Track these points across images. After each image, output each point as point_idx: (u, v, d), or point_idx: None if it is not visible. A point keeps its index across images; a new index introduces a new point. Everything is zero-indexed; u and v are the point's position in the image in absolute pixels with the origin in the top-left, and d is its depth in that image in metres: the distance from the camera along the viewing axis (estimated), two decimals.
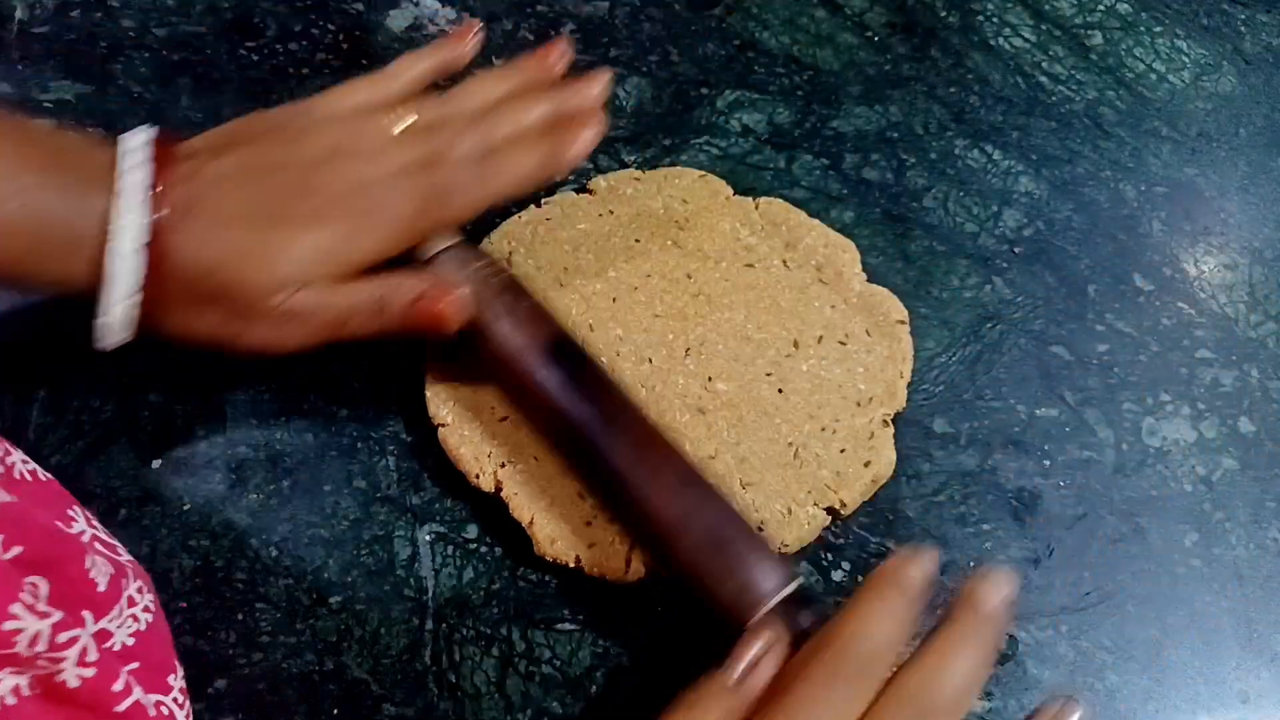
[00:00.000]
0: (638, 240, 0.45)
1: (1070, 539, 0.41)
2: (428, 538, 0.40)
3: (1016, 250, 0.48)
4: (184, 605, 0.38)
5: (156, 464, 0.41)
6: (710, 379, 0.42)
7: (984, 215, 0.49)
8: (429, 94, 0.41)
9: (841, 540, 0.41)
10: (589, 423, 0.36)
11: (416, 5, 0.54)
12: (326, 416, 0.43)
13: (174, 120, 0.49)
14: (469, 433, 0.40)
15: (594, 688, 0.38)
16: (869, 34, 0.55)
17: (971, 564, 0.41)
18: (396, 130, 0.37)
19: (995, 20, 0.55)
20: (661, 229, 0.46)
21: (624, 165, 0.49)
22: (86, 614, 0.29)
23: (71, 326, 0.36)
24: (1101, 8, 0.56)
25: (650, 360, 0.42)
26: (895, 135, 0.51)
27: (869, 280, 0.45)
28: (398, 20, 0.54)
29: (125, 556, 0.33)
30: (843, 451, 0.41)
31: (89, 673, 0.27)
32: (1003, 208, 0.49)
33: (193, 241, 0.34)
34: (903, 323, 0.44)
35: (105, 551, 0.32)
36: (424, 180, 0.37)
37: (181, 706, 0.32)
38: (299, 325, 0.36)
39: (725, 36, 0.54)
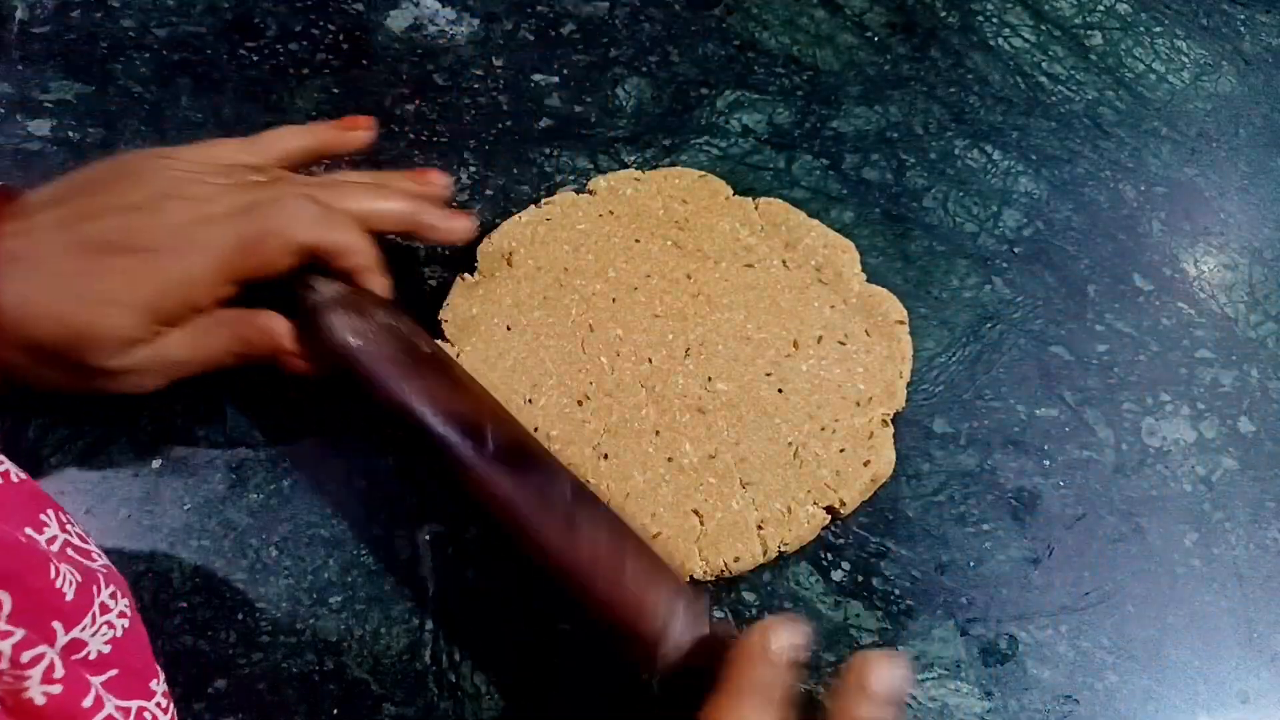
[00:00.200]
0: (638, 240, 0.45)
1: (1070, 539, 0.41)
2: (427, 538, 0.40)
3: (1016, 250, 0.48)
4: (184, 605, 0.38)
5: (156, 464, 0.41)
6: (710, 379, 0.42)
7: (984, 215, 0.49)
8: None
9: (841, 540, 0.41)
10: (510, 498, 0.35)
11: (416, 5, 0.54)
12: (327, 416, 0.43)
13: (174, 120, 0.49)
14: None
15: (594, 688, 0.38)
16: (869, 34, 0.55)
17: (972, 564, 0.41)
18: (228, 180, 0.37)
19: (995, 20, 0.55)
20: (661, 229, 0.46)
21: (624, 165, 0.49)
22: (56, 624, 0.28)
23: None
24: (1101, 8, 0.56)
25: (650, 360, 0.42)
26: (895, 135, 0.51)
27: (869, 280, 0.45)
28: (398, 20, 0.54)
29: (100, 562, 0.33)
30: (842, 451, 0.41)
31: (55, 689, 0.26)
32: (1002, 208, 0.49)
33: (17, 292, 0.33)
34: (902, 323, 0.44)
35: (76, 558, 0.31)
36: (245, 219, 0.36)
37: (165, 711, 0.32)
38: (153, 376, 0.36)
39: (725, 36, 0.54)
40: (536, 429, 0.41)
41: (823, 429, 0.41)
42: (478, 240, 0.45)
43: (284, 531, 0.40)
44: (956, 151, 0.51)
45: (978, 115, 0.52)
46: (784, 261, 0.45)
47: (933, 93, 0.53)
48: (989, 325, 0.46)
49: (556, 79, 0.52)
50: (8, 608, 0.26)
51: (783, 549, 0.39)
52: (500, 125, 0.51)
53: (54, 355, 0.34)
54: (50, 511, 0.32)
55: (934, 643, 0.39)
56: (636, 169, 0.48)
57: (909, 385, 0.43)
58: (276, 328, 0.37)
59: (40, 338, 0.33)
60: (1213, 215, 0.50)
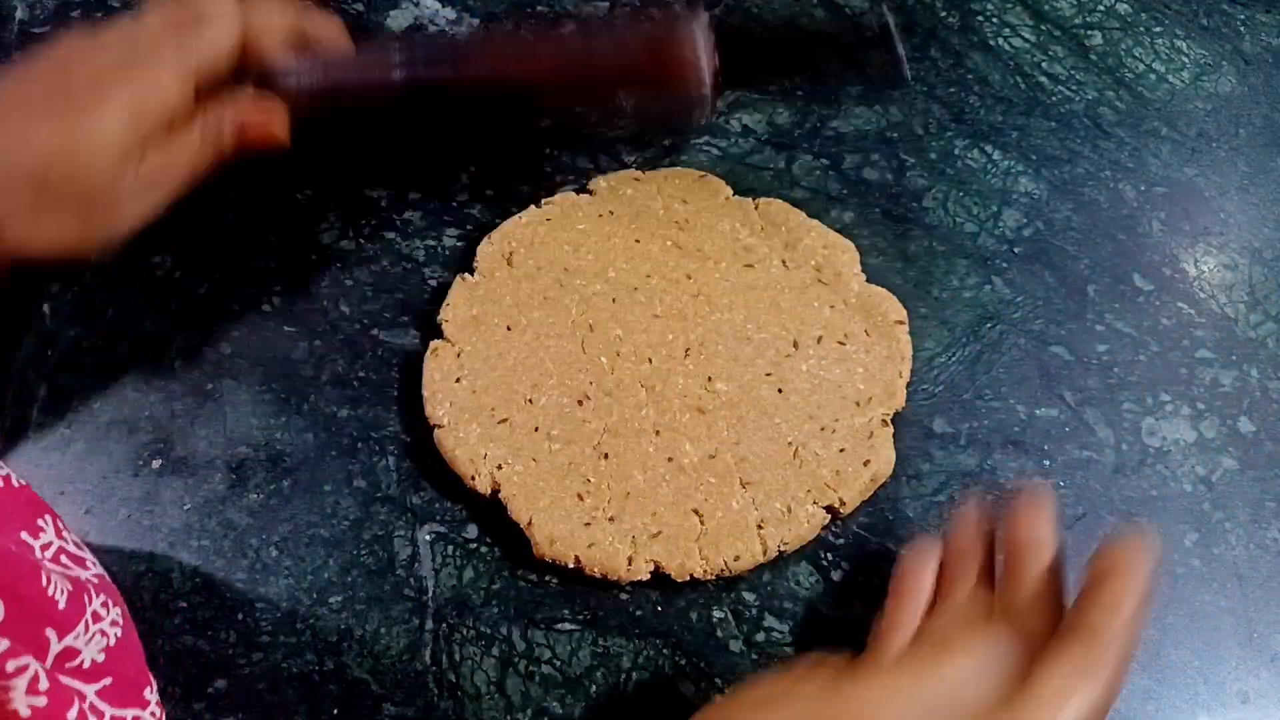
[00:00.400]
0: (638, 240, 0.45)
1: (1070, 539, 0.41)
2: (428, 538, 0.40)
3: (1016, 250, 0.48)
4: (184, 605, 0.38)
5: (156, 464, 0.41)
6: (710, 379, 0.42)
7: (984, 215, 0.49)
8: None
9: (841, 540, 0.41)
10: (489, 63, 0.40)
11: (416, 5, 0.54)
12: (326, 416, 0.43)
13: None
14: (465, 434, 0.40)
15: (594, 688, 0.38)
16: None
17: None
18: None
19: (995, 20, 0.55)
20: (661, 229, 0.46)
21: (624, 165, 0.49)
22: (50, 632, 0.28)
23: None
24: (1101, 8, 0.56)
25: (650, 360, 0.42)
26: (895, 135, 0.51)
27: (869, 280, 0.45)
28: (398, 20, 0.54)
29: (92, 571, 0.33)
30: (842, 451, 0.41)
31: (40, 701, 0.26)
32: (1002, 208, 0.49)
33: (9, 131, 0.34)
34: (902, 323, 0.44)
35: (69, 564, 0.31)
36: (177, 30, 0.37)
37: (157, 718, 0.32)
38: (156, 190, 0.37)
39: None
40: (537, 429, 0.41)
41: (823, 429, 0.41)
42: (478, 240, 0.46)
43: (284, 531, 0.40)
44: (956, 151, 0.51)
45: (978, 115, 0.52)
46: (784, 262, 0.45)
47: (933, 93, 0.53)
48: (989, 325, 0.46)
49: None
50: (0, 615, 0.26)
51: (783, 549, 0.39)
52: (500, 125, 0.51)
53: (54, 186, 0.34)
54: (47, 517, 0.32)
55: None
56: (636, 169, 0.48)
57: (909, 385, 0.43)
58: (242, 106, 0.39)
59: (36, 161, 0.34)
60: (1213, 215, 0.50)
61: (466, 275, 0.44)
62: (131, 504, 0.41)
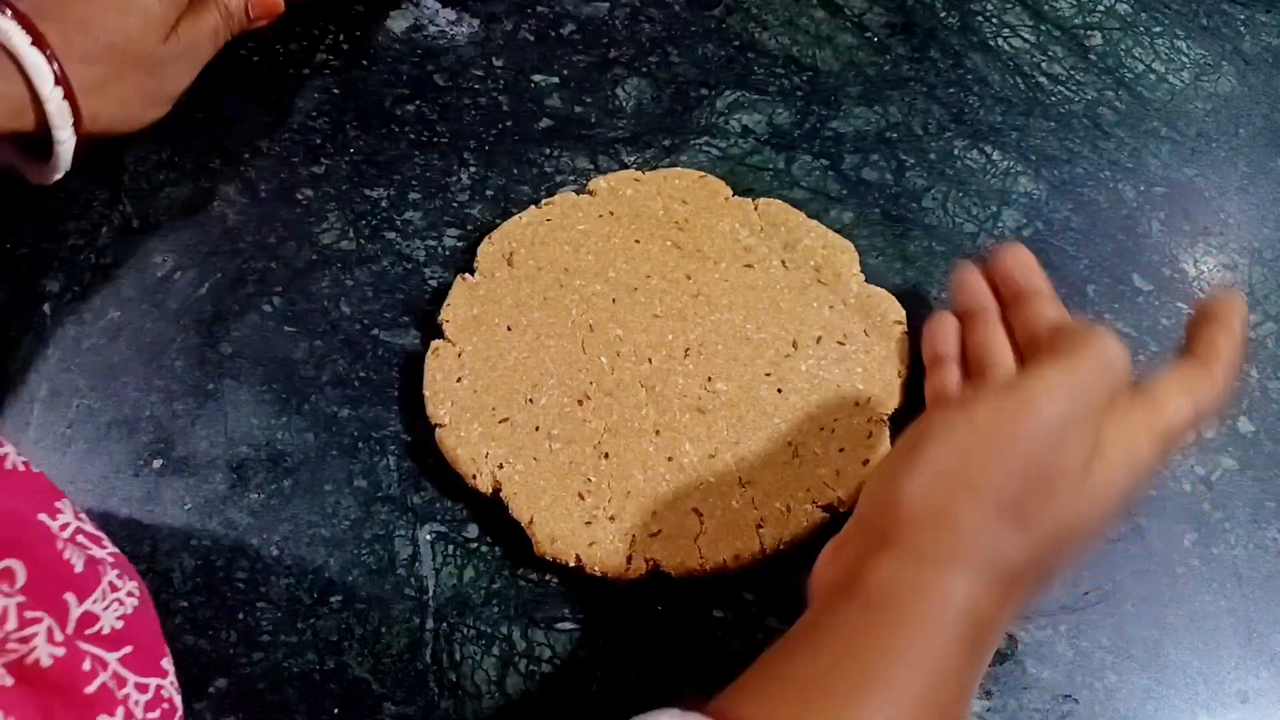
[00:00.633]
0: (638, 241, 0.45)
1: None
2: (428, 537, 0.40)
3: None
4: (184, 605, 0.38)
5: (157, 464, 0.41)
6: (710, 379, 0.42)
7: (983, 216, 0.49)
8: None
9: None
10: None
11: (416, 6, 0.54)
12: (326, 416, 0.43)
13: (174, 121, 0.49)
14: (466, 433, 0.41)
15: (594, 687, 0.38)
16: (868, 34, 0.55)
17: None
18: None
19: (994, 21, 0.55)
20: (661, 230, 0.46)
21: (624, 166, 0.49)
22: (69, 596, 0.29)
23: None
24: (1101, 8, 0.56)
25: (650, 360, 0.42)
26: (894, 136, 0.51)
27: (868, 281, 0.45)
28: (398, 21, 0.54)
29: (108, 549, 0.33)
30: (841, 450, 0.41)
31: (60, 651, 0.27)
32: (1002, 208, 0.49)
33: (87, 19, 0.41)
34: (901, 323, 0.44)
35: (87, 544, 0.32)
36: None
37: (178, 691, 0.32)
38: (193, 55, 0.44)
39: (725, 37, 0.54)
40: (538, 428, 0.41)
41: (822, 429, 0.41)
42: (478, 240, 0.46)
43: (284, 531, 0.40)
44: (956, 152, 0.51)
45: (977, 115, 0.52)
46: (783, 262, 0.45)
47: (932, 93, 0.53)
48: None
49: (556, 79, 0.52)
50: (22, 578, 0.26)
51: (782, 548, 0.39)
52: (500, 126, 0.51)
53: (120, 53, 0.41)
54: (65, 501, 0.33)
55: None
56: (636, 169, 0.49)
57: (907, 385, 0.43)
58: None
59: (108, 34, 0.41)
60: (1212, 215, 0.50)
61: (467, 275, 0.44)
62: (132, 504, 0.41)
